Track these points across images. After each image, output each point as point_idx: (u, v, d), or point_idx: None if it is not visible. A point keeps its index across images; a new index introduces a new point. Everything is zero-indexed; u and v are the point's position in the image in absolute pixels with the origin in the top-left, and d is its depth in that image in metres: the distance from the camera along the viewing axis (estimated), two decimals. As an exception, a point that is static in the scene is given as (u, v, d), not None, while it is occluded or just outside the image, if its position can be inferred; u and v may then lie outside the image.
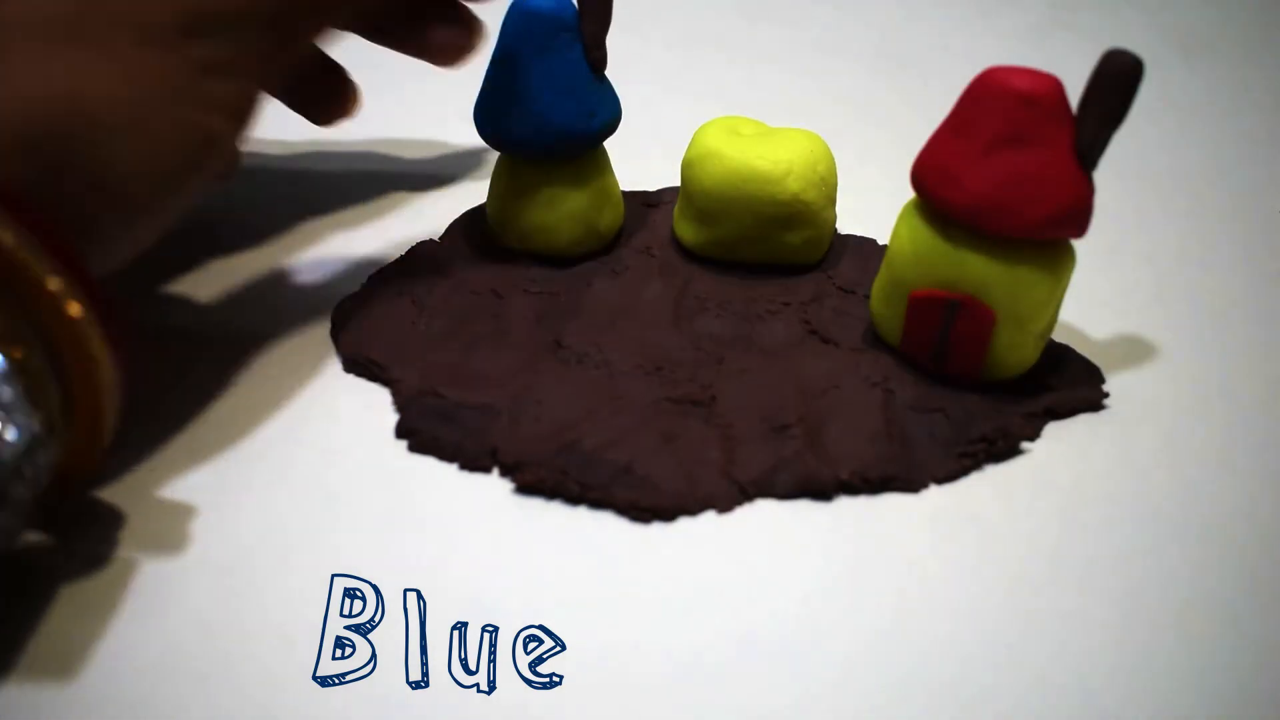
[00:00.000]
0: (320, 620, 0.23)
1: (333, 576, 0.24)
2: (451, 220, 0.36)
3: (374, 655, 0.22)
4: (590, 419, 0.28)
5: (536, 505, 0.26)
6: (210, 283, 0.34)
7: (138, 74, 0.22)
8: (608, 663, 0.22)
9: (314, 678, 0.22)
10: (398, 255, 0.35)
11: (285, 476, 0.27)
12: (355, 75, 0.49)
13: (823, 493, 0.26)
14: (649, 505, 0.26)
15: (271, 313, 0.33)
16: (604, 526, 0.25)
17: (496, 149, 0.32)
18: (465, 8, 0.34)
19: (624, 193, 0.36)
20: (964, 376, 0.28)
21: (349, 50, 0.51)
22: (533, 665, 0.22)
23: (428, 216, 0.37)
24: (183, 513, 0.26)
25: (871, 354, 0.30)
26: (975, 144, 0.26)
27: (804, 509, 0.26)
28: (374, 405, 0.29)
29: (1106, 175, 0.40)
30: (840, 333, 0.31)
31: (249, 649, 0.22)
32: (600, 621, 0.23)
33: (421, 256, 0.34)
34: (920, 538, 0.25)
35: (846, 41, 0.53)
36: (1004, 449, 0.27)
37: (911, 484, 0.26)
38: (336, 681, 0.22)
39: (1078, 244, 0.28)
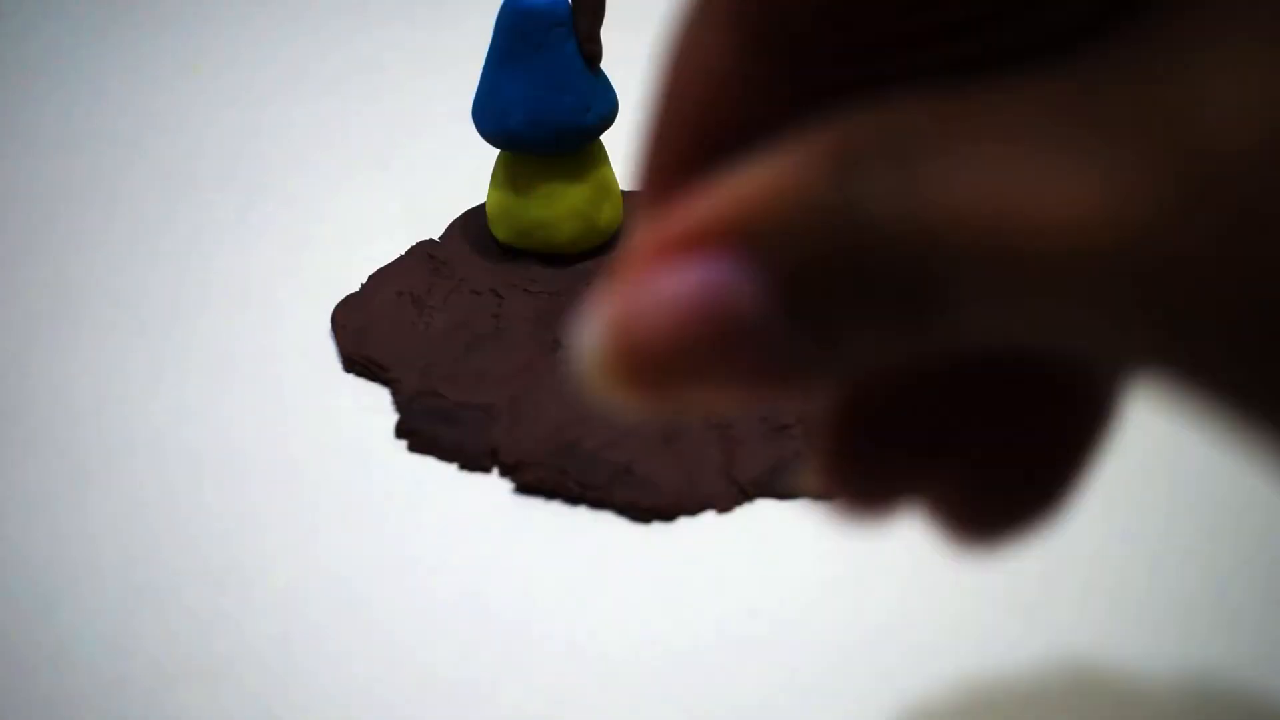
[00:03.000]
0: (320, 620, 0.23)
1: (334, 578, 0.24)
2: (451, 220, 0.36)
3: (374, 655, 0.22)
4: (590, 419, 0.28)
5: (536, 505, 0.26)
6: (210, 283, 0.34)
7: None
8: (608, 662, 0.22)
9: (314, 677, 0.22)
10: (398, 255, 0.35)
11: (285, 476, 0.27)
12: (354, 75, 0.49)
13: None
14: (649, 505, 0.26)
15: (272, 313, 0.33)
16: (604, 526, 0.25)
17: (495, 146, 0.32)
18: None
19: (624, 191, 0.36)
20: (964, 376, 0.28)
21: (346, 49, 0.51)
22: (533, 664, 0.22)
23: (428, 216, 0.37)
24: (182, 512, 0.26)
25: (871, 354, 0.30)
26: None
27: (804, 509, 0.26)
28: (374, 405, 0.29)
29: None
30: (840, 332, 0.31)
31: (248, 649, 0.22)
32: (600, 621, 0.23)
33: (421, 256, 0.34)
34: (920, 537, 0.25)
35: (846, 41, 0.52)
36: (1004, 449, 0.27)
37: (911, 484, 0.26)
38: (336, 681, 0.22)
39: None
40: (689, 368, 0.09)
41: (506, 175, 0.33)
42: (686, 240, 0.09)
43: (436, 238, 0.36)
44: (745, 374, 0.10)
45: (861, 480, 0.12)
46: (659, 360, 0.09)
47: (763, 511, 0.26)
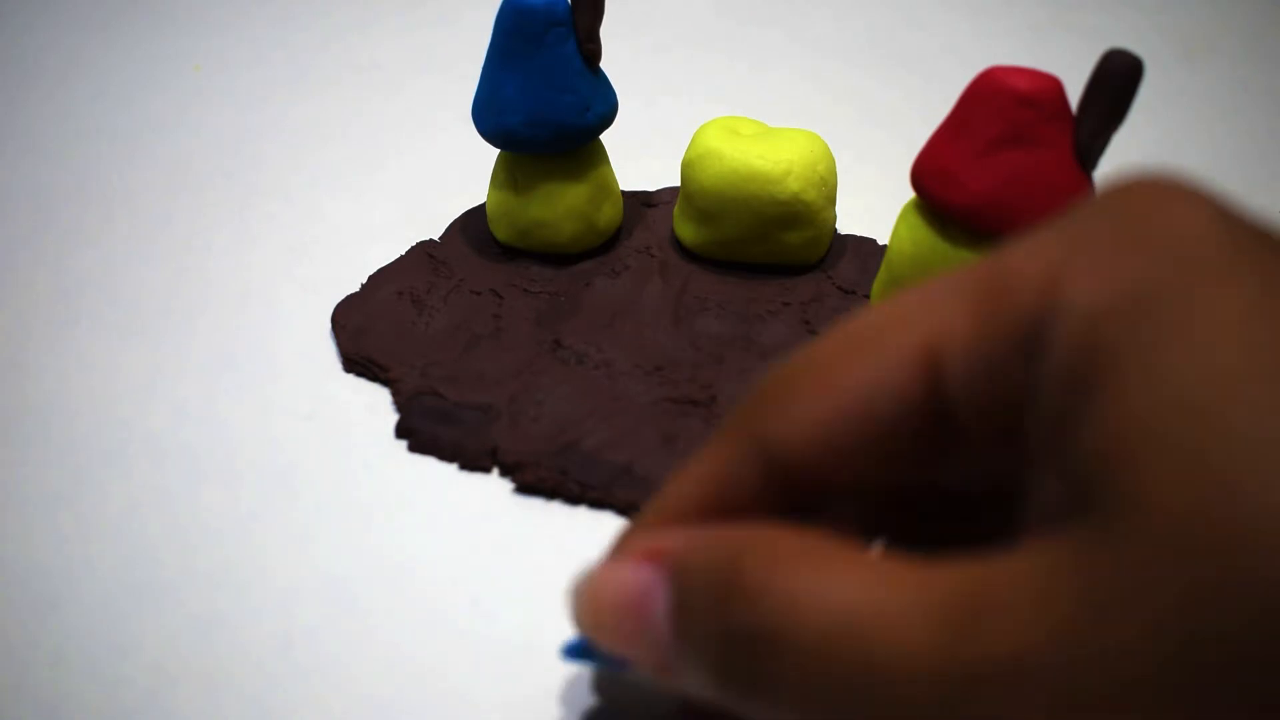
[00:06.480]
0: (319, 620, 0.23)
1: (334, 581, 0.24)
2: (451, 220, 0.36)
3: (373, 655, 0.22)
4: (590, 419, 0.28)
5: (536, 505, 0.26)
6: (210, 283, 0.34)
7: None
8: (608, 663, 0.22)
9: (313, 677, 0.22)
10: (398, 255, 0.35)
11: (285, 476, 0.27)
12: (354, 75, 0.49)
13: (823, 493, 0.26)
14: (649, 505, 0.26)
15: (271, 313, 0.33)
16: (604, 526, 0.25)
17: (495, 146, 0.32)
18: None
19: (623, 192, 0.36)
20: (964, 376, 0.28)
21: (346, 49, 0.51)
22: (532, 665, 0.22)
23: (428, 216, 0.37)
24: (181, 512, 0.26)
25: (871, 354, 0.30)
26: (975, 144, 0.26)
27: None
28: (374, 405, 0.29)
29: (1106, 175, 0.40)
30: (840, 333, 0.31)
31: (248, 649, 0.22)
32: (600, 621, 0.23)
33: (421, 256, 0.34)
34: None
35: (846, 41, 0.53)
36: (1004, 449, 0.27)
37: (911, 484, 0.26)
38: (335, 681, 0.22)
39: (1078, 244, 0.28)
40: (616, 632, 0.15)
41: (506, 175, 0.33)
42: (646, 553, 0.15)
43: (436, 238, 0.36)
44: (645, 650, 0.15)
45: None
46: (602, 620, 0.16)
47: (763, 511, 0.26)
